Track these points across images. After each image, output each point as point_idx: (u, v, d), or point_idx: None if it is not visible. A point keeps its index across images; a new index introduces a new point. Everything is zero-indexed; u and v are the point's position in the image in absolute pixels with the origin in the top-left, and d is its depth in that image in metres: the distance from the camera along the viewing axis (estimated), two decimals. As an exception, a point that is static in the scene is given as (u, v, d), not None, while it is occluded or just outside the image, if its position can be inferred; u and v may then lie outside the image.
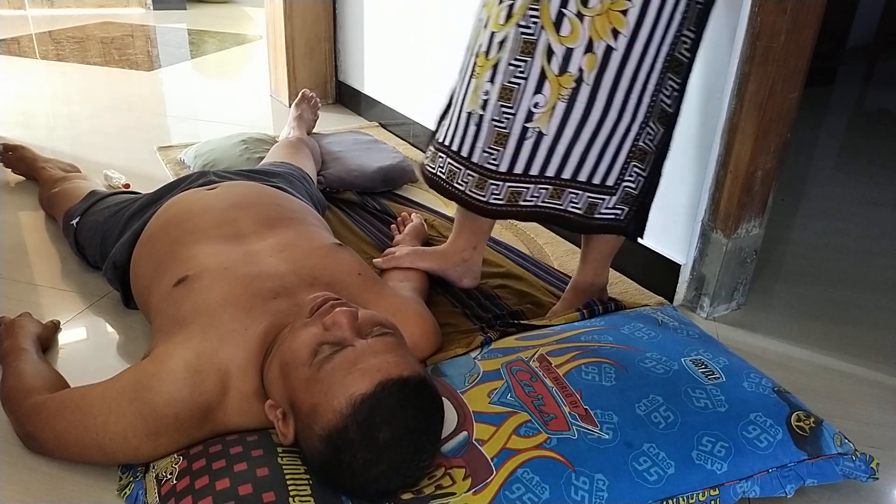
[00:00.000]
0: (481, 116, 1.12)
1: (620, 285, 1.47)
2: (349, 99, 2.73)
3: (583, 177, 1.14)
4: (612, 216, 1.19)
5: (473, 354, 1.09)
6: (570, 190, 1.16)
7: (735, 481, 0.88)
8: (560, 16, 1.04)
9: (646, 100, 1.10)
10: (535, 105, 1.09)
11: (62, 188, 1.62)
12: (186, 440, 0.89)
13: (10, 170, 1.86)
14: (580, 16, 1.03)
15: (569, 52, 1.05)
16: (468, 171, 1.17)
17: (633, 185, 1.17)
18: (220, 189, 1.28)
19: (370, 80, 2.56)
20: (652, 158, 1.16)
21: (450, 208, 1.82)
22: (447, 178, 1.21)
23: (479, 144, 1.14)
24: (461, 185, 1.19)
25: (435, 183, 1.24)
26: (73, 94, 2.79)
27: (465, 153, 1.17)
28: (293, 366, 0.83)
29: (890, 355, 1.30)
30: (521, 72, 1.08)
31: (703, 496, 0.87)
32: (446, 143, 1.20)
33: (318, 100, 2.21)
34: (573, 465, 0.85)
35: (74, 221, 1.43)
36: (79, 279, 1.42)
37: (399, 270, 1.35)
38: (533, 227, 1.75)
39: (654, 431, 0.90)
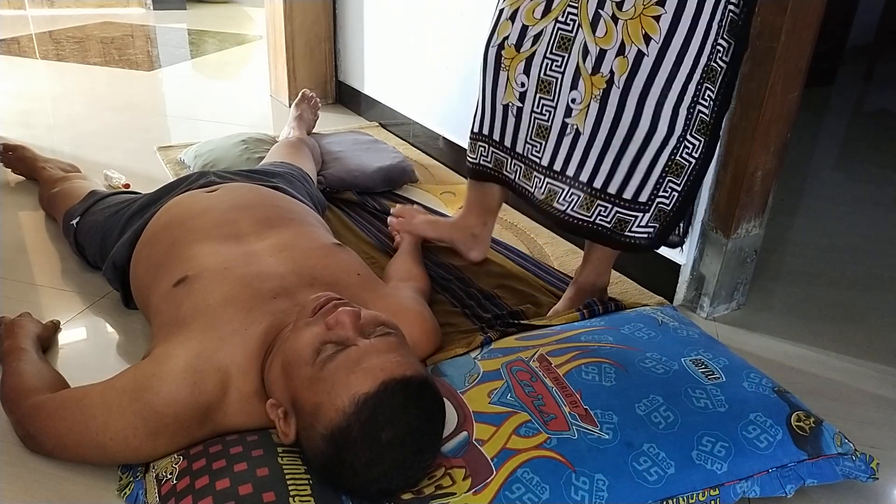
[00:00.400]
0: (520, 108, 1.15)
1: (620, 285, 1.47)
2: (349, 99, 2.73)
3: (613, 189, 1.12)
4: (645, 234, 1.15)
5: (473, 354, 1.09)
6: (600, 202, 1.13)
7: (735, 481, 0.88)
8: (597, 16, 1.05)
9: (682, 111, 1.06)
10: (573, 101, 1.09)
11: (62, 188, 1.62)
12: (186, 440, 0.89)
13: (10, 170, 1.86)
14: (615, 18, 1.04)
15: (602, 53, 1.05)
16: (515, 161, 1.23)
17: (666, 202, 1.12)
18: (220, 191, 1.29)
19: (370, 80, 2.56)
20: (688, 172, 1.10)
21: (450, 208, 1.82)
22: (494, 166, 1.26)
23: (521, 136, 1.17)
24: (510, 174, 1.25)
25: (480, 173, 1.30)
26: (73, 94, 2.79)
27: (507, 143, 1.21)
28: (296, 365, 0.83)
29: (890, 355, 1.30)
30: (558, 66, 1.10)
31: (703, 496, 0.87)
32: (485, 132, 1.25)
33: (318, 100, 2.21)
34: (573, 465, 0.85)
35: (74, 221, 1.43)
36: (79, 279, 1.42)
37: (399, 271, 1.35)
38: (533, 226, 1.75)
39: (655, 431, 0.90)
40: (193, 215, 1.19)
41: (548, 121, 1.13)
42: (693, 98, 1.06)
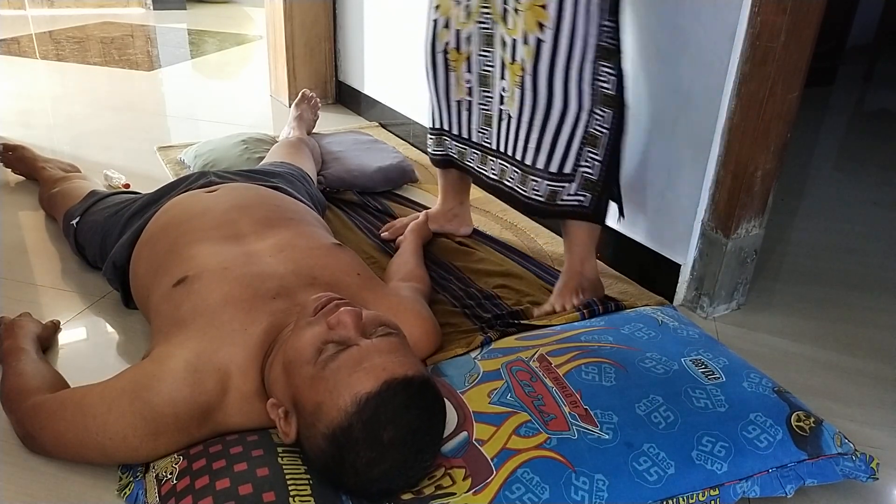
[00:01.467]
0: (469, 102, 1.35)
1: (620, 285, 1.47)
2: (349, 99, 2.73)
3: (540, 164, 1.25)
4: (576, 202, 1.28)
5: (473, 354, 1.09)
6: (532, 178, 1.27)
7: (735, 481, 0.88)
8: (504, 10, 1.20)
9: (586, 87, 1.19)
10: (503, 90, 1.25)
11: (62, 188, 1.62)
12: (186, 440, 0.89)
13: (10, 170, 1.86)
14: (517, 10, 1.17)
15: (514, 43, 1.19)
16: (472, 150, 1.41)
17: (590, 171, 1.25)
18: (219, 191, 1.29)
19: (370, 80, 2.56)
20: (605, 142, 1.23)
21: (450, 208, 1.82)
22: (458, 156, 1.46)
23: (474, 126, 1.37)
24: (470, 162, 1.43)
25: (443, 162, 1.49)
26: (73, 94, 2.79)
27: (465, 135, 1.41)
28: (297, 364, 0.83)
29: (890, 355, 1.30)
30: (490, 61, 1.27)
31: (703, 496, 0.87)
32: (445, 128, 1.45)
33: (318, 100, 2.22)
34: (573, 465, 0.85)
35: (74, 221, 1.43)
36: (79, 279, 1.42)
37: (400, 271, 1.35)
38: (533, 227, 1.75)
39: (654, 431, 0.90)
40: (193, 215, 1.19)
41: (490, 110, 1.31)
42: (593, 75, 1.19)
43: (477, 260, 1.50)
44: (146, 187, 1.52)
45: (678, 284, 1.42)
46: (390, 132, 2.46)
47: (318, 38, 2.68)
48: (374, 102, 2.55)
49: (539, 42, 1.15)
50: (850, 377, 1.23)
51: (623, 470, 0.86)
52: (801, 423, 0.93)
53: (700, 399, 0.95)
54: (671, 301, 1.43)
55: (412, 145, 2.32)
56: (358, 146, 2.08)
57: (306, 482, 0.83)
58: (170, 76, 3.20)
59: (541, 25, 1.14)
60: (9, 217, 1.68)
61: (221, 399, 0.90)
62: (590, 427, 0.90)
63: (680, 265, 1.41)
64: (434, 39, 1.36)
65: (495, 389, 0.98)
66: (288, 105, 2.65)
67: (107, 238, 1.34)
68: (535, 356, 1.04)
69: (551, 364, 1.02)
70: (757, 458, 0.89)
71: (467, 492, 0.83)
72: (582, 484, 0.84)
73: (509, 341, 1.12)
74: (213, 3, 5.44)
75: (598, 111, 1.21)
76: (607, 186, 1.26)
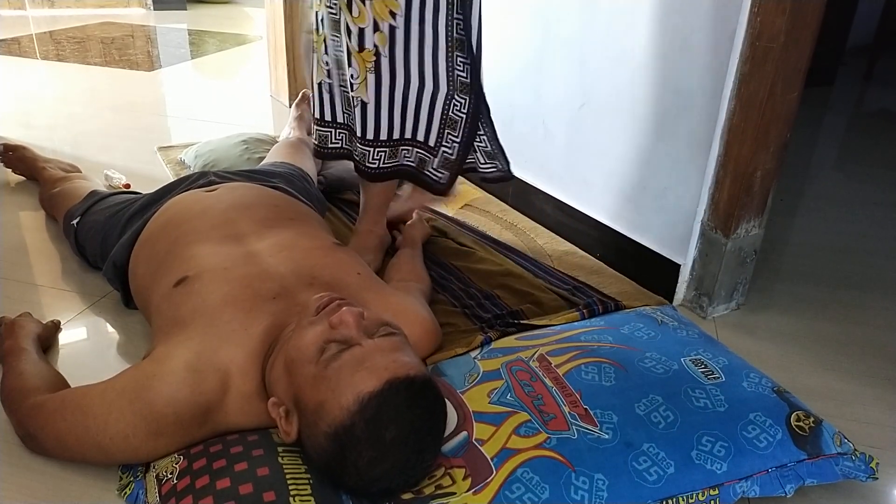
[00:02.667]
0: (330, 84, 1.34)
1: (620, 285, 1.47)
2: (349, 99, 2.73)
3: (408, 134, 1.31)
4: (435, 178, 1.35)
5: (473, 354, 1.09)
6: (403, 147, 1.32)
7: (735, 481, 0.88)
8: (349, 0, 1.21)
9: (441, 73, 1.25)
10: (352, 77, 1.26)
11: (62, 188, 1.63)
12: (187, 440, 0.89)
13: (10, 170, 1.86)
14: (363, 0, 1.19)
15: (361, 32, 1.20)
16: (339, 131, 1.39)
17: (449, 151, 1.32)
18: (219, 191, 1.29)
19: (370, 80, 2.55)
20: (462, 126, 1.30)
21: (450, 208, 1.82)
22: (320, 143, 1.41)
23: (338, 108, 1.37)
24: (335, 144, 1.41)
25: (319, 153, 1.43)
26: (74, 94, 2.79)
27: (328, 118, 1.38)
28: (299, 363, 0.83)
29: (890, 355, 1.30)
30: (339, 45, 1.27)
31: (702, 496, 0.87)
32: (316, 116, 1.40)
33: (319, 100, 2.21)
34: (573, 464, 0.85)
35: (75, 221, 1.43)
36: (79, 279, 1.42)
37: (400, 271, 1.35)
38: (533, 226, 1.75)
39: (654, 431, 0.90)
40: (193, 215, 1.19)
41: (349, 92, 1.30)
42: (448, 63, 1.24)
43: (477, 260, 1.50)
44: (146, 187, 1.52)
45: (678, 284, 1.42)
46: (390, 132, 2.45)
47: (319, 38, 2.68)
48: (374, 102, 2.55)
49: (392, 29, 1.19)
50: (850, 377, 1.23)
51: (623, 470, 0.86)
52: (801, 423, 0.93)
53: (700, 399, 0.95)
54: (671, 301, 1.43)
55: (412, 145, 2.31)
56: (358, 146, 2.08)
57: (306, 482, 0.83)
58: (170, 76, 3.20)
59: (392, 14, 1.18)
60: (9, 217, 1.68)
61: (222, 399, 0.90)
62: (590, 427, 0.90)
63: (680, 265, 1.41)
64: (304, 20, 1.39)
65: (495, 389, 0.98)
66: (288, 105, 2.65)
67: (107, 238, 1.34)
68: (535, 356, 1.04)
69: (551, 364, 1.02)
70: (757, 458, 0.89)
71: (467, 491, 0.83)
72: (582, 484, 0.84)
73: (509, 341, 1.12)
74: (214, 3, 5.44)
75: (458, 97, 1.27)
76: (459, 167, 1.34)
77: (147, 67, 3.33)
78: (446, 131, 1.31)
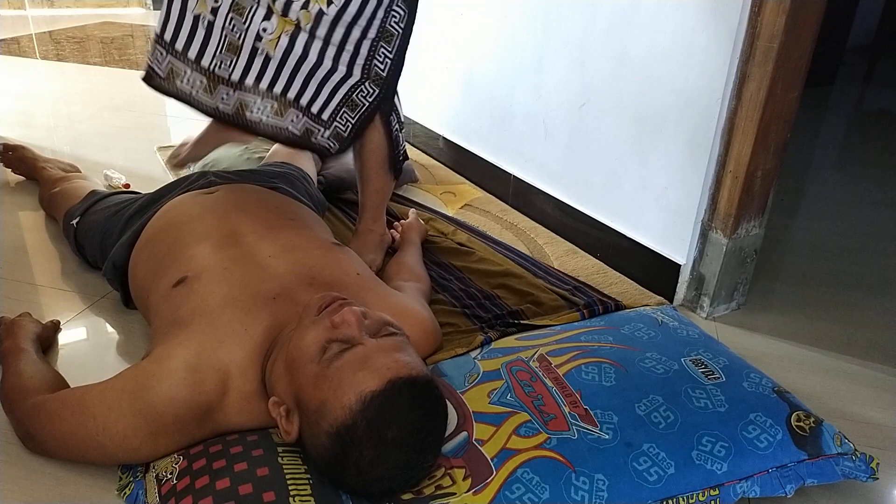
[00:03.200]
0: (211, 22, 1.20)
1: (620, 285, 1.47)
2: (349, 99, 2.73)
3: (304, 102, 1.26)
4: (327, 145, 1.32)
5: (473, 354, 1.09)
6: (293, 110, 1.27)
7: (735, 481, 0.88)
8: None
9: (359, 61, 1.24)
10: (264, 30, 1.20)
11: (62, 188, 1.62)
12: (186, 440, 0.89)
13: (10, 170, 1.86)
14: None
15: (288, 2, 1.17)
16: (196, 74, 1.24)
17: (342, 128, 1.30)
18: (219, 192, 1.29)
19: (370, 80, 2.55)
20: (362, 111, 1.29)
21: (450, 208, 1.82)
22: (167, 75, 1.24)
23: (210, 49, 1.22)
24: (185, 87, 1.25)
25: (153, 82, 1.25)
26: (73, 94, 2.79)
27: (192, 56, 1.22)
28: (301, 362, 0.83)
29: (890, 355, 1.30)
30: None
31: (703, 496, 0.87)
32: (167, 39, 1.22)
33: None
34: (573, 465, 0.85)
35: (74, 221, 1.43)
36: (79, 279, 1.42)
37: (399, 271, 1.35)
38: (533, 226, 1.75)
39: (654, 431, 0.90)
40: (193, 216, 1.19)
41: (238, 39, 1.20)
42: (369, 53, 1.24)
43: (477, 260, 1.50)
44: (146, 187, 1.52)
45: (678, 284, 1.42)
46: (390, 132, 2.45)
47: (318, 38, 2.67)
48: (374, 102, 2.55)
49: (321, 13, 1.18)
50: (850, 377, 1.23)
51: (623, 470, 0.86)
52: (801, 423, 0.93)
53: (700, 399, 0.95)
54: (671, 301, 1.43)
55: (412, 145, 2.32)
56: (358, 146, 2.08)
57: (306, 482, 0.83)
58: (170, 76, 3.20)
59: (329, 2, 1.17)
60: (9, 217, 1.68)
61: (221, 399, 0.90)
62: (590, 427, 0.90)
63: (680, 265, 1.41)
64: None
65: (495, 389, 0.98)
66: (288, 105, 2.64)
67: (107, 238, 1.34)
68: (535, 356, 1.04)
69: (551, 364, 1.02)
70: (757, 458, 0.89)
71: (467, 492, 0.83)
72: (582, 484, 0.84)
73: (509, 341, 1.12)
74: (213, 3, 5.44)
75: (369, 85, 1.27)
76: (352, 142, 1.33)
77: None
78: (343, 110, 1.29)
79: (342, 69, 1.24)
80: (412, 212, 1.64)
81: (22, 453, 0.96)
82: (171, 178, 1.89)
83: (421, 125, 2.26)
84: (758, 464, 0.89)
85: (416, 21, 1.27)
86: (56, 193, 1.62)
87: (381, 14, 1.21)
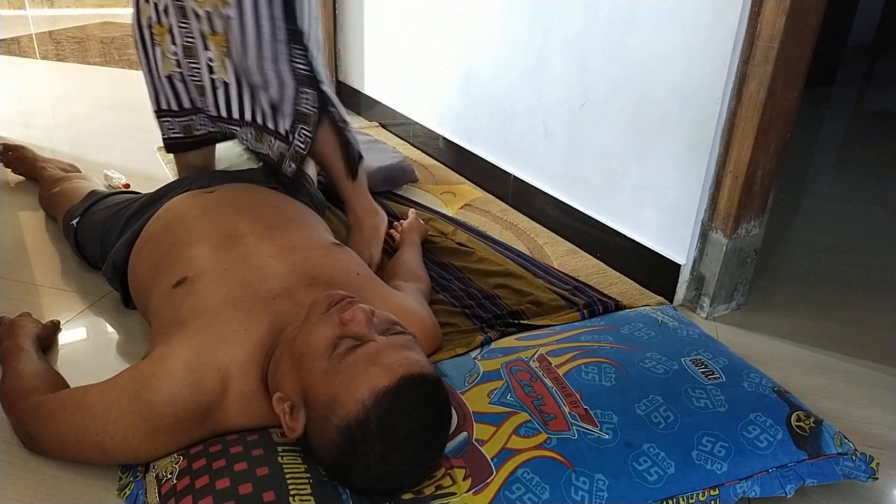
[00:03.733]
0: (181, 74, 1.33)
1: (620, 285, 1.47)
2: (349, 99, 2.73)
3: (270, 125, 1.31)
4: (288, 171, 1.36)
5: (473, 354, 1.09)
6: (266, 134, 1.33)
7: (735, 481, 0.88)
8: None
9: (284, 66, 1.25)
10: (210, 60, 1.27)
11: (62, 188, 1.62)
12: (186, 440, 0.89)
13: (10, 170, 1.86)
14: None
15: (208, 15, 1.22)
16: (199, 115, 1.38)
17: (302, 147, 1.32)
18: (219, 192, 1.29)
19: (370, 80, 2.56)
20: (314, 120, 1.31)
21: (450, 208, 1.82)
22: (185, 134, 1.41)
23: (193, 95, 1.36)
24: (200, 129, 1.41)
25: (176, 146, 1.43)
26: (73, 94, 2.79)
27: (186, 105, 1.38)
28: (311, 357, 0.83)
29: (890, 355, 1.30)
30: (189, 32, 1.27)
31: (703, 496, 0.87)
32: (164, 107, 1.40)
33: (318, 100, 2.21)
34: (573, 465, 0.85)
35: (75, 221, 1.43)
36: (79, 279, 1.42)
37: (399, 271, 1.35)
38: (533, 226, 1.75)
39: (654, 431, 0.90)
40: (192, 216, 1.19)
41: (201, 81, 1.30)
42: (289, 57, 1.24)
43: (477, 260, 1.50)
44: (146, 187, 1.52)
45: (678, 284, 1.42)
46: (390, 132, 2.45)
47: (318, 38, 2.68)
48: (374, 102, 2.55)
49: (228, 18, 1.20)
50: (850, 377, 1.23)
51: (623, 470, 0.86)
52: (801, 423, 0.93)
53: (700, 399, 0.95)
54: (671, 301, 1.43)
55: (412, 145, 2.32)
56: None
57: (306, 481, 0.83)
58: (170, 76, 3.20)
59: (225, 3, 1.20)
60: (9, 217, 1.68)
61: (221, 399, 0.90)
62: (590, 427, 0.90)
63: (680, 265, 1.41)
64: (139, 14, 1.33)
65: (495, 389, 0.98)
66: (288, 105, 2.64)
67: (107, 238, 1.34)
68: (535, 356, 1.04)
69: (551, 364, 1.02)
70: (757, 458, 0.89)
71: (467, 492, 0.83)
72: (582, 484, 0.84)
73: (509, 341, 1.12)
74: (213, 3, 5.43)
75: (304, 91, 1.29)
76: (304, 159, 1.36)
77: (147, 67, 3.32)
78: (300, 126, 1.31)
79: (272, 79, 1.26)
80: (412, 212, 1.64)
81: (22, 453, 0.95)
82: (171, 177, 1.89)
83: (421, 125, 2.26)
84: (758, 464, 0.89)
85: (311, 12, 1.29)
86: (56, 193, 1.62)
87: (278, 13, 1.21)
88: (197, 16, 1.22)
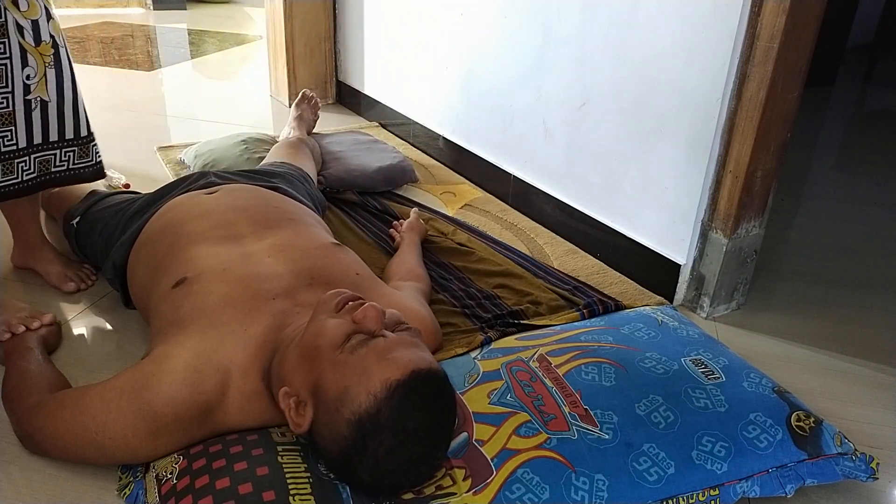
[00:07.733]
0: None
1: (620, 285, 1.47)
2: (349, 99, 2.73)
3: (84, 132, 1.32)
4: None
5: (473, 354, 1.09)
6: (93, 145, 1.35)
7: (735, 481, 0.88)
8: None
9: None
10: (28, 77, 1.20)
11: (62, 188, 1.62)
12: (186, 440, 0.89)
13: (10, 170, 1.86)
14: None
15: (35, 24, 1.19)
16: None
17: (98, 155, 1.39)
18: (219, 192, 1.28)
19: (370, 80, 2.56)
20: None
21: (450, 208, 1.82)
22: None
23: None
24: None
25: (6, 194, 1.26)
26: (73, 94, 2.79)
27: None
28: (323, 350, 0.83)
29: (890, 355, 1.30)
30: (3, 53, 1.17)
31: (703, 496, 0.87)
32: None
33: (319, 100, 2.21)
34: (573, 465, 0.85)
35: (75, 221, 1.43)
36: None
37: (399, 271, 1.35)
38: (533, 226, 1.75)
39: (654, 431, 0.90)
40: (192, 217, 1.19)
41: (9, 107, 1.20)
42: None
43: (477, 260, 1.50)
44: (146, 187, 1.52)
45: (678, 284, 1.42)
46: (390, 132, 2.46)
47: (318, 38, 2.68)
48: (374, 102, 2.55)
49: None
50: (850, 377, 1.23)
51: (623, 470, 0.86)
52: (801, 423, 0.93)
53: (700, 399, 0.95)
54: (671, 301, 1.43)
55: (412, 145, 2.32)
56: (358, 146, 2.08)
57: (306, 481, 0.83)
58: (170, 76, 3.20)
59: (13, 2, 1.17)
60: (9, 217, 1.67)
61: (221, 399, 0.90)
62: (590, 427, 0.90)
63: (680, 265, 1.41)
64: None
65: (495, 389, 0.98)
66: (288, 105, 2.65)
67: (107, 238, 1.34)
68: (535, 356, 1.04)
69: (551, 364, 1.02)
70: (757, 458, 0.89)
71: (467, 492, 0.83)
72: (582, 484, 0.84)
73: (509, 341, 1.12)
74: (213, 3, 5.44)
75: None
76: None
77: (147, 67, 3.32)
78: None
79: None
80: (414, 211, 1.64)
81: (22, 453, 0.96)
82: (171, 177, 1.89)
83: (421, 125, 2.26)
84: (758, 464, 0.89)
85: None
86: (56, 193, 1.62)
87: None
88: (20, 28, 1.17)
